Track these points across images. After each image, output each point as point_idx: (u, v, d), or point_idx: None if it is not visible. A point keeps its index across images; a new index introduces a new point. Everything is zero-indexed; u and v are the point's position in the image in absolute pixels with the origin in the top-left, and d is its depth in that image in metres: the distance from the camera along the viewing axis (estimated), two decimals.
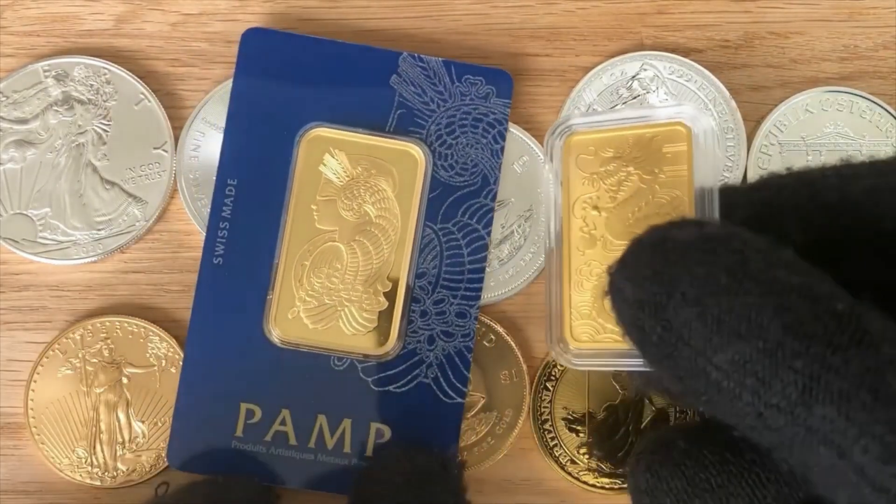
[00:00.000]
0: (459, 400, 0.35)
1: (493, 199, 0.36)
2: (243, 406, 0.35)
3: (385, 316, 0.35)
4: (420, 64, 0.37)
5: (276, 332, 0.35)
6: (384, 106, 0.36)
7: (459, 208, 0.36)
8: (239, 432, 0.35)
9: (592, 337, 0.34)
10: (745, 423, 0.20)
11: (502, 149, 0.37)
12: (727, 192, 0.27)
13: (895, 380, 0.18)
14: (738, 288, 0.20)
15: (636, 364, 0.34)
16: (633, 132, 0.35)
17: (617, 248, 0.34)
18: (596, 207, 0.34)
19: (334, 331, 0.35)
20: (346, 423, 0.35)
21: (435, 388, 0.35)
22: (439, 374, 0.35)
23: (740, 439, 0.22)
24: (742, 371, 0.19)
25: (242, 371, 0.35)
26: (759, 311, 0.19)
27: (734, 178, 0.38)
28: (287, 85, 0.36)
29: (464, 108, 0.37)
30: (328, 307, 0.35)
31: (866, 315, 0.19)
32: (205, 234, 0.36)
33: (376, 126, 0.36)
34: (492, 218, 0.36)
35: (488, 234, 0.36)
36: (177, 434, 0.35)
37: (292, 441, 0.35)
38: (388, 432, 0.35)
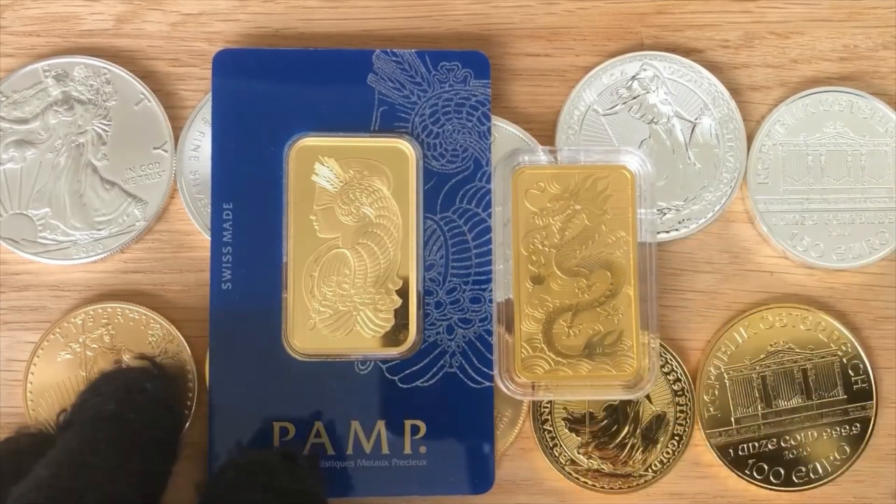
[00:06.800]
0: (487, 384, 0.35)
1: (489, 180, 0.36)
2: (276, 425, 0.34)
3: (401, 313, 0.35)
4: (394, 58, 0.37)
5: (296, 347, 0.35)
6: (365, 106, 0.36)
7: (456, 195, 0.36)
8: None
9: (543, 370, 0.35)
10: None
11: (489, 129, 0.37)
12: None
13: None
14: None
15: (587, 395, 0.35)
16: (579, 171, 0.36)
17: (565, 283, 0.35)
18: (544, 243, 0.35)
19: (353, 336, 0.35)
20: (381, 425, 0.35)
21: (461, 375, 0.35)
22: (463, 361, 0.35)
23: None
24: None
25: (268, 390, 0.35)
26: None
27: (734, 178, 0.38)
28: (266, 100, 0.36)
29: (444, 95, 0.37)
30: (343, 314, 0.35)
31: None
32: (210, 260, 0.35)
33: (360, 127, 0.36)
34: (490, 200, 0.36)
35: (489, 216, 0.36)
36: (214, 461, 0.34)
37: (330, 451, 0.35)
38: (423, 427, 0.35)
